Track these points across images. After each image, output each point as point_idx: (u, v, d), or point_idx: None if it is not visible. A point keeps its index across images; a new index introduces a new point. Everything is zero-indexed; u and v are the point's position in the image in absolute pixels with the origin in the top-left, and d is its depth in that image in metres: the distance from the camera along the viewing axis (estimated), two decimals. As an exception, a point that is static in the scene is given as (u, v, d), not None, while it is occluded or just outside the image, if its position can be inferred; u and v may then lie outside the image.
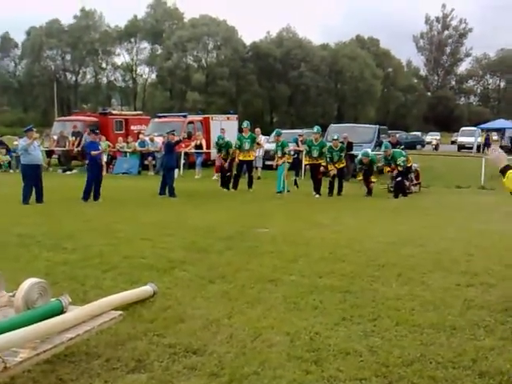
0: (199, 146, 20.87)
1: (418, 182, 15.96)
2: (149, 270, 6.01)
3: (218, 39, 66.10)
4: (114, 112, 27.71)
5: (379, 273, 6.00)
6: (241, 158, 15.25)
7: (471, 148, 36.16)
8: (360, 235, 8.36)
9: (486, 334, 4.25)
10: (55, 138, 22.72)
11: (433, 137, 48.24)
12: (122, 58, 72.32)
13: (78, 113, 31.58)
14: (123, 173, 20.42)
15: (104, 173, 13.86)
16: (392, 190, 14.65)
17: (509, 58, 76.82)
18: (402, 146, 16.92)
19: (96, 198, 12.48)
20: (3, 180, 17.95)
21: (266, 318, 4.56)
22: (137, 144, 21.49)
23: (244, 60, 66.13)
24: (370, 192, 14.49)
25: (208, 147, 21.95)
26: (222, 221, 9.66)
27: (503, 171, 4.26)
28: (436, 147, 42.41)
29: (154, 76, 72.42)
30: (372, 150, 18.10)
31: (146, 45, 71.45)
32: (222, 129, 20.55)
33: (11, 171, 20.93)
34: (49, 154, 22.33)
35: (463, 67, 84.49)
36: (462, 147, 39.03)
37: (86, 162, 14.21)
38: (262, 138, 20.43)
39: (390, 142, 16.92)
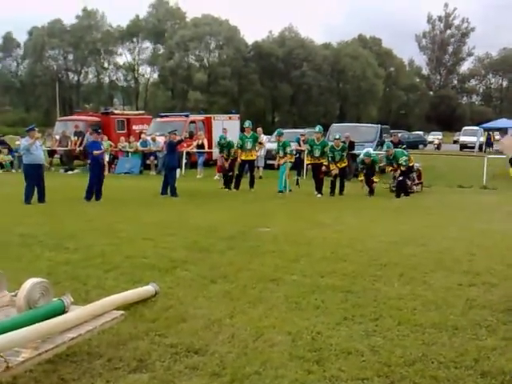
0: (201, 146, 20.87)
1: (420, 181, 15.93)
2: (150, 270, 6.01)
3: (220, 39, 66.15)
4: (115, 112, 27.71)
5: (381, 272, 6.00)
6: (243, 157, 15.24)
7: (473, 147, 36.13)
8: (362, 235, 8.35)
9: (488, 333, 4.24)
10: (57, 137, 22.75)
11: (435, 136, 48.21)
12: (124, 57, 72.63)
13: (80, 112, 31.63)
14: (125, 172, 20.44)
15: (106, 172, 13.88)
16: (394, 189, 14.63)
17: (511, 57, 76.70)
18: (404, 146, 16.89)
19: (98, 197, 12.49)
20: (5, 180, 17.98)
21: (267, 317, 4.56)
22: (139, 144, 21.50)
23: (246, 59, 66.14)
24: (372, 192, 14.47)
25: (210, 147, 21.95)
26: (224, 220, 9.66)
27: None
28: (438, 147, 42.37)
29: (155, 76, 72.64)
30: (374, 150, 18.07)
31: (148, 44, 71.69)
32: (224, 128, 20.55)
33: (13, 171, 20.98)
34: (51, 153, 22.36)
35: (465, 66, 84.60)
36: (464, 147, 38.98)
37: (88, 161, 14.22)
38: (263, 138, 20.42)
39: (392, 141, 16.89)
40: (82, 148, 21.01)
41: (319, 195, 14.24)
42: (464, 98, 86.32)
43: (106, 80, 73.06)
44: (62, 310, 4.18)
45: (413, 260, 6.61)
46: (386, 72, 73.50)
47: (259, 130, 18.65)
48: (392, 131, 25.79)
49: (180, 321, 4.46)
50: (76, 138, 22.11)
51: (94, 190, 12.50)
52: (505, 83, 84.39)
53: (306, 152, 16.58)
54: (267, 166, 19.44)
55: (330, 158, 14.34)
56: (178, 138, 14.13)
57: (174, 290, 5.27)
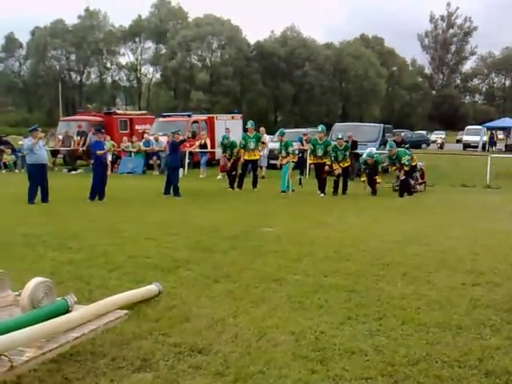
0: (204, 146, 20.87)
1: (424, 180, 15.91)
2: (154, 270, 6.02)
3: (222, 38, 66.12)
4: (118, 112, 27.73)
5: (384, 272, 5.99)
6: (246, 157, 15.26)
7: (476, 147, 36.02)
8: (365, 234, 8.34)
9: (492, 333, 4.24)
10: (60, 137, 22.76)
11: (438, 135, 48.09)
12: (126, 57, 72.64)
13: (83, 112, 31.64)
14: (128, 172, 20.45)
15: (109, 172, 13.90)
16: (397, 188, 14.61)
17: (514, 56, 76.54)
18: (407, 145, 16.85)
19: (101, 197, 12.50)
20: (9, 180, 18.01)
21: (270, 317, 4.56)
22: (141, 144, 21.50)
23: (248, 59, 66.13)
24: (374, 191, 14.46)
25: (212, 147, 21.96)
26: (227, 220, 9.66)
27: None
28: (441, 146, 42.28)
29: (158, 75, 72.64)
30: (377, 149, 18.04)
31: (150, 44, 71.69)
32: (227, 128, 20.54)
33: (16, 171, 21.01)
34: (54, 153, 22.38)
35: (468, 66, 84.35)
36: (467, 146, 38.89)
37: (91, 161, 14.24)
38: (266, 138, 20.40)
39: (394, 140, 16.85)
40: (84, 148, 21.03)
41: (322, 195, 14.23)
42: (467, 97, 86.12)
43: (109, 80, 73.17)
44: (66, 310, 4.19)
45: (416, 259, 6.60)
46: (388, 71, 73.36)
47: (262, 129, 18.62)
48: (395, 130, 25.70)
49: (183, 320, 4.46)
50: (79, 137, 22.12)
51: (97, 190, 12.50)
52: (508, 82, 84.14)
53: (308, 151, 16.58)
54: (270, 166, 19.43)
55: (332, 158, 14.32)
56: (180, 137, 14.14)
57: (177, 290, 5.28)
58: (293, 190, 14.67)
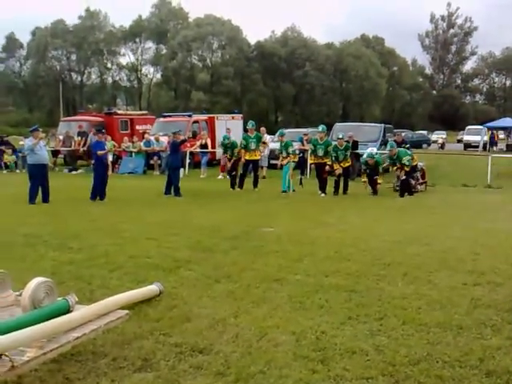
0: (204, 146, 20.88)
1: (424, 180, 15.91)
2: (154, 270, 6.02)
3: (222, 39, 66.13)
4: (119, 112, 27.75)
5: (385, 272, 5.99)
6: (247, 157, 15.28)
7: (477, 146, 35.99)
8: (365, 234, 8.34)
9: (493, 333, 4.23)
10: (61, 137, 22.78)
11: (439, 135, 48.07)
12: (127, 58, 72.63)
13: (84, 113, 31.68)
14: (129, 172, 20.46)
15: (109, 173, 13.90)
16: (398, 188, 14.61)
17: (514, 56, 76.50)
18: (408, 145, 16.85)
19: (101, 197, 12.51)
20: (10, 180, 18.03)
21: (271, 317, 4.56)
22: (142, 144, 21.52)
23: (249, 59, 66.13)
24: (375, 191, 14.45)
25: (213, 147, 21.97)
26: (228, 220, 9.66)
27: None
28: (442, 146, 42.26)
29: (158, 76, 72.68)
30: (378, 149, 18.04)
31: (150, 45, 71.69)
32: (228, 128, 20.56)
33: (17, 171, 21.02)
34: (55, 153, 22.39)
35: (469, 66, 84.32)
36: (468, 146, 38.87)
37: (92, 161, 14.25)
38: (267, 138, 20.42)
39: (395, 140, 16.85)
40: (85, 148, 21.05)
41: (323, 195, 14.23)
42: (467, 97, 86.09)
43: (109, 80, 73.18)
44: (67, 310, 4.20)
45: (417, 259, 6.60)
46: (388, 71, 73.34)
47: (263, 129, 18.64)
48: (395, 130, 25.70)
49: (184, 320, 4.46)
50: (79, 138, 22.15)
51: (98, 190, 12.51)
52: (508, 82, 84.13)
53: (309, 151, 16.58)
54: (270, 166, 19.44)
55: (333, 158, 14.33)
56: (181, 137, 14.14)
57: (178, 290, 5.28)
58: (293, 190, 14.68)
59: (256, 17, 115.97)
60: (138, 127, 25.19)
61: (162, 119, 25.25)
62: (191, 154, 20.77)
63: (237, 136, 19.08)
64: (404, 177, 14.06)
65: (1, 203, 12.00)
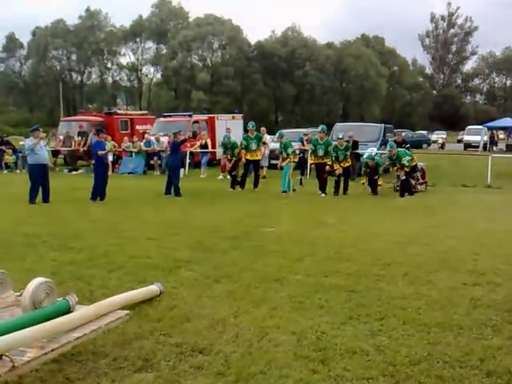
0: (204, 146, 20.87)
1: (425, 180, 15.91)
2: (154, 270, 6.03)
3: (222, 38, 66.10)
4: (119, 112, 27.71)
5: (385, 272, 5.99)
6: (248, 157, 15.29)
7: (477, 146, 35.99)
8: (365, 234, 8.35)
9: (494, 333, 4.24)
10: (61, 137, 22.77)
11: (439, 135, 48.05)
12: (127, 57, 72.59)
13: (84, 113, 31.66)
14: (129, 172, 20.45)
15: (110, 173, 13.91)
16: (398, 188, 14.61)
17: (515, 56, 76.48)
18: (408, 145, 16.85)
19: (102, 197, 12.51)
20: (10, 180, 18.02)
21: (271, 317, 4.56)
22: (142, 144, 21.51)
23: (249, 59, 66.11)
24: (375, 191, 14.45)
25: (213, 147, 21.97)
26: (228, 220, 9.66)
27: None
28: (442, 146, 42.26)
29: (159, 76, 72.62)
30: (378, 149, 18.04)
31: (151, 44, 71.65)
32: (228, 128, 20.55)
33: (17, 171, 21.02)
34: (55, 153, 22.38)
35: (469, 65, 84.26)
36: (468, 146, 38.86)
37: (92, 162, 14.24)
38: (267, 138, 20.41)
39: (395, 140, 16.86)
40: (85, 148, 21.05)
41: (323, 195, 14.23)
42: (468, 97, 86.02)
43: (110, 80, 73.16)
44: (67, 310, 4.20)
45: (417, 259, 6.60)
46: (389, 71, 73.31)
47: (263, 129, 18.64)
48: (396, 130, 25.70)
49: (184, 320, 4.46)
50: (80, 138, 22.14)
51: (98, 191, 12.51)
52: (508, 82, 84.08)
53: (309, 151, 16.57)
54: (271, 166, 19.43)
55: (333, 158, 14.32)
56: (181, 137, 14.14)
57: (178, 290, 5.28)
58: (294, 190, 14.68)
59: (256, 16, 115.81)
60: (138, 127, 25.18)
61: (162, 119, 25.24)
62: (191, 153, 20.77)
63: (237, 136, 19.07)
64: (404, 177, 14.06)
65: (1, 203, 12.00)
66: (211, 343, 4.00)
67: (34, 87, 67.44)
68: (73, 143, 22.23)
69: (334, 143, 14.86)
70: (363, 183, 14.72)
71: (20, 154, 20.88)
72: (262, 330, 4.25)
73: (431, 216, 10.74)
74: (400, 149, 14.72)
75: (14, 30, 68.64)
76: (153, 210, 11.06)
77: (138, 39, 70.79)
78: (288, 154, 14.80)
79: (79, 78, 72.10)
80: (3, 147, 22.16)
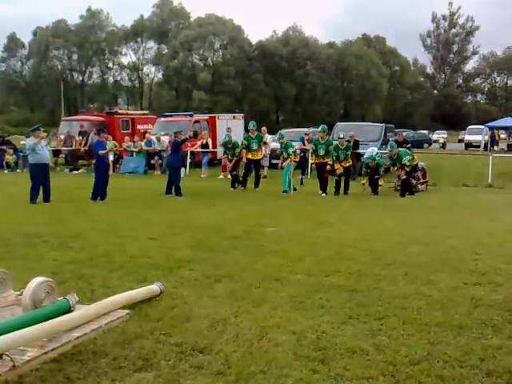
0: (205, 145, 20.88)
1: (425, 180, 15.90)
2: (155, 269, 6.03)
3: (224, 38, 66.16)
4: (120, 111, 27.71)
5: (386, 271, 5.99)
6: (249, 156, 15.30)
7: (478, 146, 35.93)
8: (366, 234, 8.34)
9: (494, 332, 4.23)
10: (62, 137, 22.80)
11: (440, 135, 48.02)
12: (128, 57, 72.75)
13: (85, 112, 31.69)
14: (129, 172, 20.45)
15: (110, 172, 13.89)
16: (399, 188, 14.60)
17: (516, 56, 76.43)
18: (409, 145, 16.85)
19: (102, 197, 12.51)
20: (11, 179, 18.04)
21: (272, 317, 4.56)
22: (143, 143, 21.51)
23: (250, 59, 66.14)
24: (376, 191, 14.44)
25: (214, 146, 21.97)
26: (228, 220, 9.66)
27: None
28: (443, 145, 42.23)
29: (160, 75, 72.74)
30: (379, 149, 18.03)
31: (152, 44, 71.76)
32: (229, 128, 20.54)
33: (18, 171, 21.04)
34: (56, 153, 22.40)
35: (470, 65, 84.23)
36: (469, 145, 38.83)
37: (93, 161, 14.24)
38: (268, 137, 20.41)
39: (396, 140, 16.85)
40: (86, 148, 21.07)
41: (324, 194, 14.22)
42: (469, 96, 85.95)
43: (111, 80, 73.28)
44: (68, 309, 4.20)
45: (418, 259, 6.60)
46: (390, 71, 73.33)
47: (263, 129, 18.64)
48: (397, 130, 25.70)
49: (185, 320, 4.46)
50: (81, 137, 22.15)
51: (99, 190, 12.51)
52: (510, 82, 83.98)
53: (310, 151, 16.55)
54: (271, 166, 19.43)
55: (334, 157, 14.30)
56: (182, 137, 14.14)
57: (179, 290, 5.28)
58: (295, 189, 14.68)
59: (257, 16, 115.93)
60: (139, 127, 25.18)
61: (163, 119, 25.23)
62: (192, 153, 20.77)
63: (238, 136, 19.07)
64: (405, 176, 14.06)
65: (2, 203, 12.01)
66: (211, 343, 4.00)
67: (35, 87, 67.54)
68: (74, 143, 22.24)
69: (334, 143, 14.85)
70: (363, 183, 14.71)
71: (21, 154, 20.90)
72: (262, 330, 4.25)
73: (432, 216, 10.73)
74: (401, 148, 14.71)
75: (15, 30, 68.88)
76: (153, 210, 11.07)
77: (139, 39, 70.90)
78: (289, 154, 14.80)
79: (80, 78, 72.22)
80: (4, 147, 22.20)
